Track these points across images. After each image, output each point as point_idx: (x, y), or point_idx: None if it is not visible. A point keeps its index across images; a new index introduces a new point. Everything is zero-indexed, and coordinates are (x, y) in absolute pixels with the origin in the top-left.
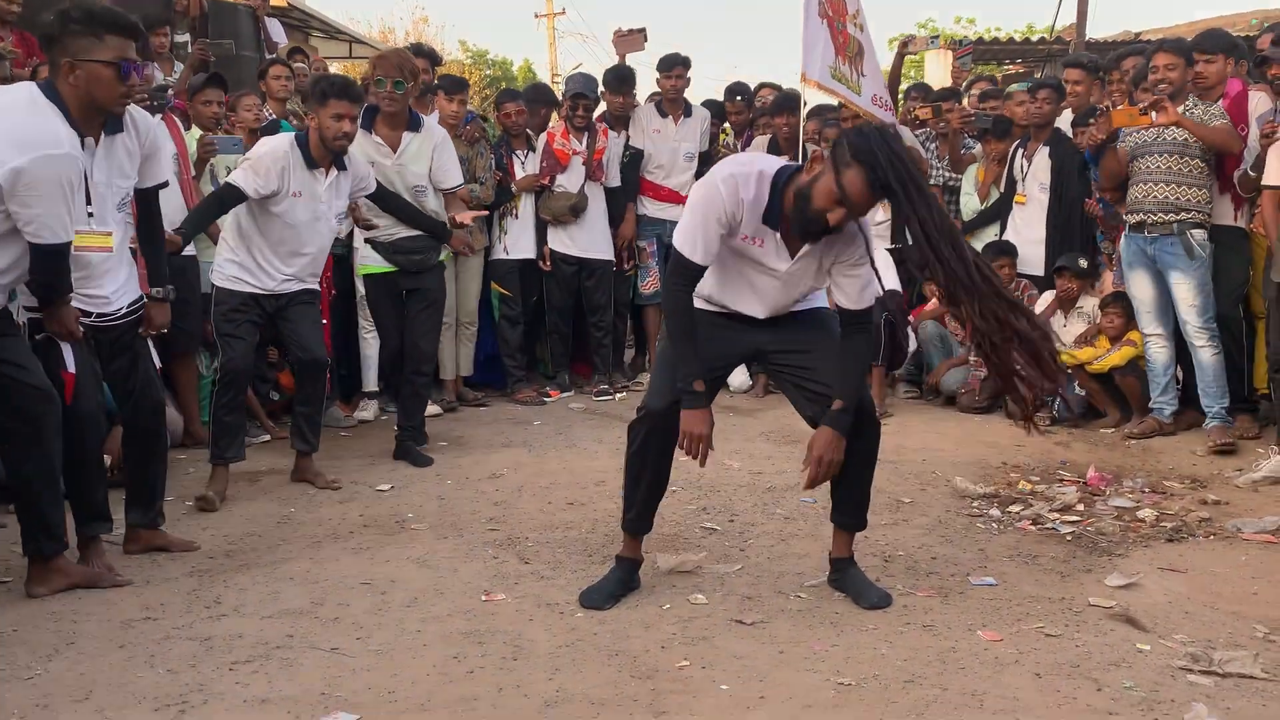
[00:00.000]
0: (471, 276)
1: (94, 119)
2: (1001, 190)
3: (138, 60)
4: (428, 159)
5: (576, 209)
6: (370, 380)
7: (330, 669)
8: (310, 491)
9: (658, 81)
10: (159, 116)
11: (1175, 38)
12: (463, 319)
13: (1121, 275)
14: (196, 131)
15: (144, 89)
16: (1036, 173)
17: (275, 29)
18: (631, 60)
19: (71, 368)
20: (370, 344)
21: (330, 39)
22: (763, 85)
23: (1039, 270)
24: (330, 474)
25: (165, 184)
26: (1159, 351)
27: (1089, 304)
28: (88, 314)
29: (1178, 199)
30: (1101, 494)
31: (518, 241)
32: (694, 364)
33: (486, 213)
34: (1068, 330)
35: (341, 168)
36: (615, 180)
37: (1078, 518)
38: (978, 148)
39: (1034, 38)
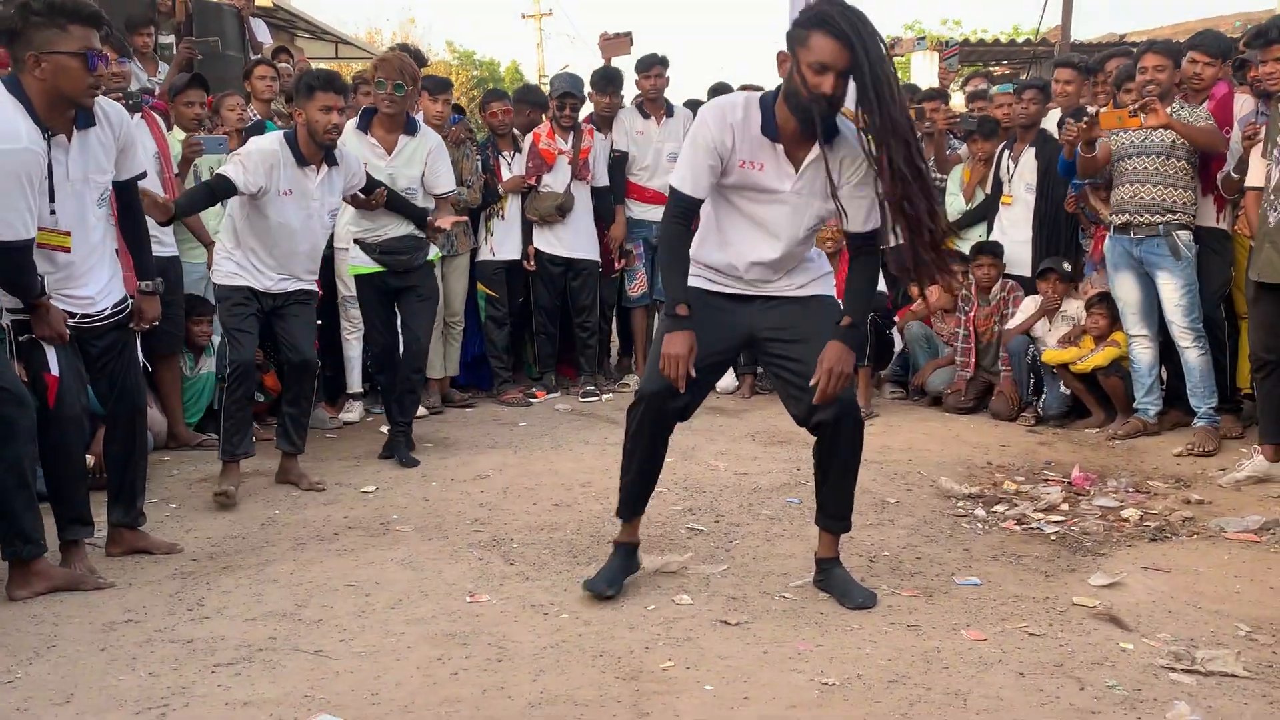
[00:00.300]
0: (458, 277)
1: (61, 112)
2: (987, 191)
3: (102, 50)
4: (421, 163)
5: (563, 208)
6: (355, 382)
7: (314, 671)
8: (295, 493)
9: (637, 82)
10: (138, 115)
11: (1164, 39)
12: (449, 320)
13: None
14: (178, 132)
15: (119, 85)
16: (1023, 173)
17: (260, 29)
18: (616, 63)
19: (55, 370)
20: (354, 345)
21: (316, 39)
22: (745, 86)
23: (1026, 271)
24: (315, 475)
25: (143, 175)
26: (1144, 352)
27: (1073, 306)
28: (71, 315)
29: (1164, 200)
30: (1086, 494)
31: (504, 242)
32: (681, 291)
33: (465, 219)
34: (1052, 333)
35: (333, 163)
36: (602, 180)
37: (1062, 517)
38: (963, 148)
39: (1020, 39)
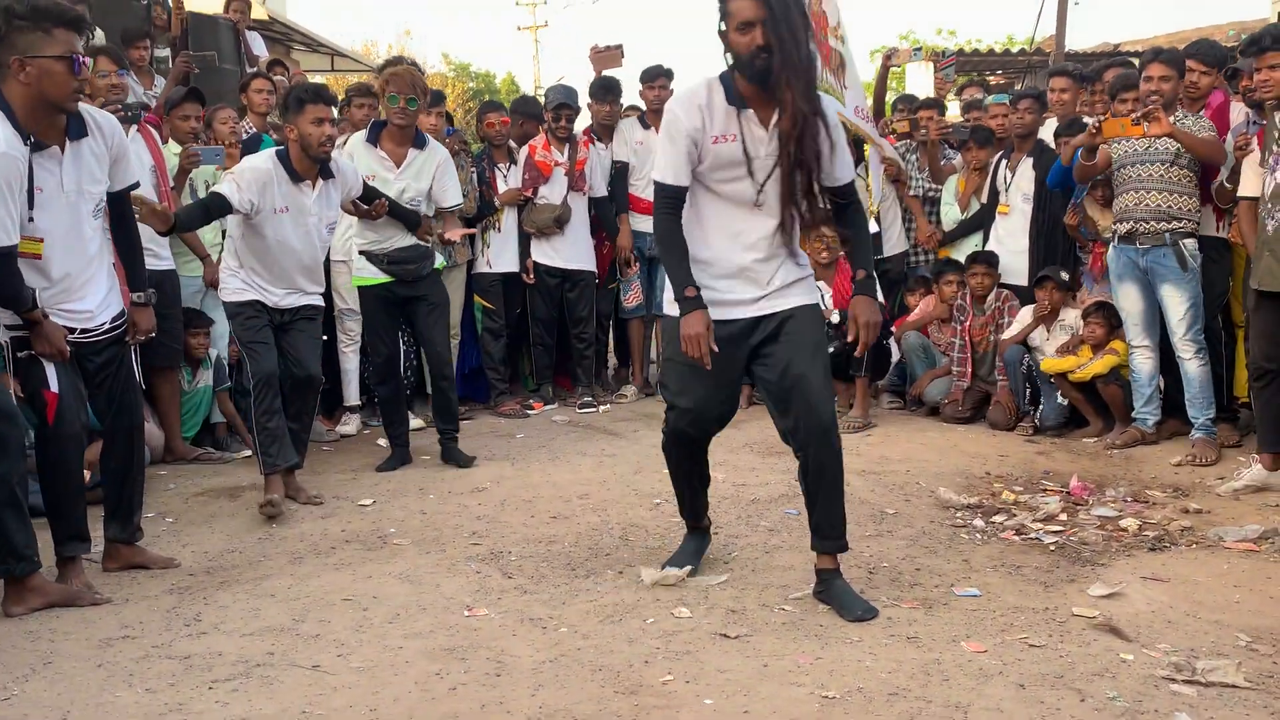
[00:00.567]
0: (454, 290)
1: (44, 118)
2: (983, 200)
3: (84, 54)
4: (429, 177)
5: (561, 220)
6: (352, 395)
7: (311, 687)
8: (292, 507)
9: (641, 93)
10: (134, 128)
11: (1169, 48)
12: None
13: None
14: (174, 146)
15: (117, 97)
16: (1020, 183)
17: (256, 42)
18: (617, 74)
19: (54, 387)
20: (350, 358)
21: (312, 52)
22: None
23: (1022, 280)
24: (312, 489)
25: (136, 184)
26: (1144, 362)
27: (1070, 315)
28: (70, 330)
29: (1169, 207)
30: (1084, 503)
31: (500, 254)
32: (686, 276)
33: (475, 230)
34: (1050, 342)
35: (329, 176)
36: (599, 191)
37: (1061, 527)
38: (958, 158)
39: (1014, 49)
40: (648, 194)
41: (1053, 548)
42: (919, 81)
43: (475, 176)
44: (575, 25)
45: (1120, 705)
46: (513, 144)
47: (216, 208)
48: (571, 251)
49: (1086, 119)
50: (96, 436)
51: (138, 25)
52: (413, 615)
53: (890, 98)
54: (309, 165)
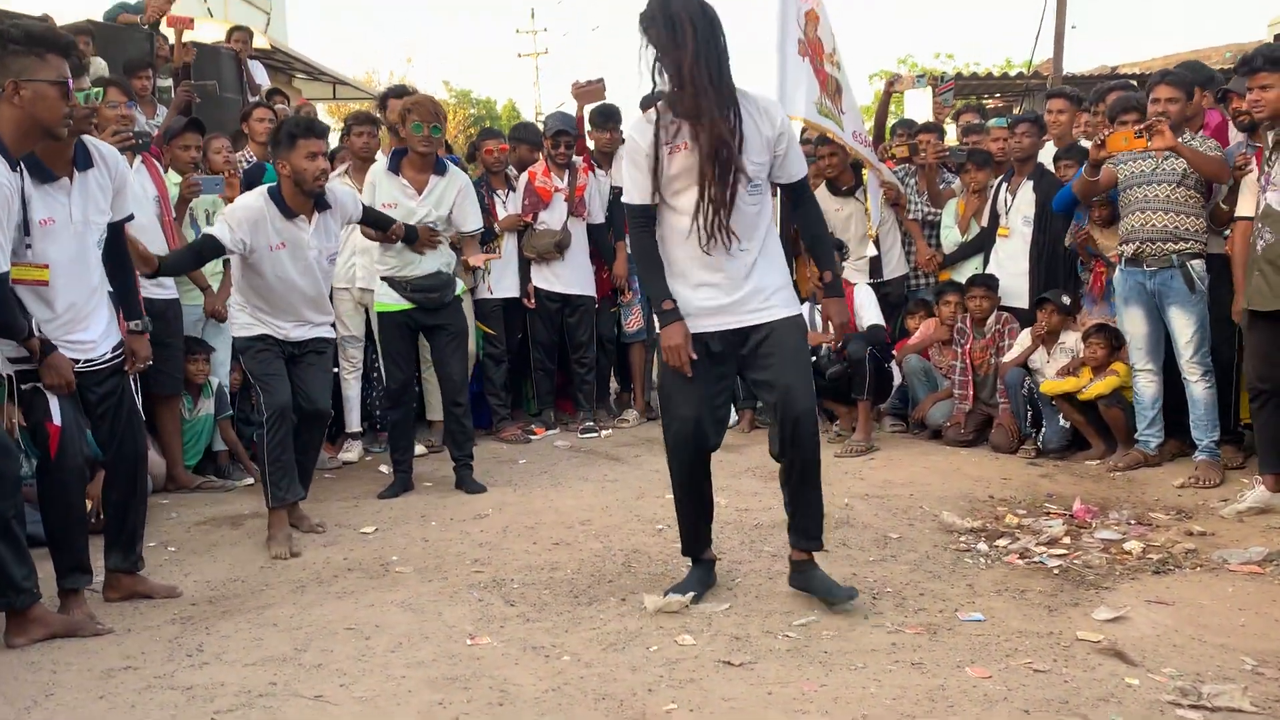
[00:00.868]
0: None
1: (33, 144)
2: (983, 224)
3: (72, 79)
4: (450, 203)
5: (561, 245)
6: (353, 421)
7: (314, 717)
8: (295, 535)
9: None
10: (138, 159)
11: (1177, 69)
12: None
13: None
14: (174, 176)
15: (125, 128)
16: (1020, 206)
17: (258, 71)
18: (615, 100)
19: (57, 420)
20: (352, 385)
21: (314, 80)
22: None
23: (1023, 303)
24: (314, 517)
25: (131, 217)
26: (1148, 386)
27: (1071, 338)
28: (75, 361)
29: (1176, 228)
30: (1088, 526)
31: (501, 280)
32: (662, 290)
33: (499, 255)
34: (1051, 364)
35: (324, 208)
36: (597, 217)
37: (1064, 551)
38: (957, 182)
39: (1012, 72)
40: None
41: (1056, 571)
42: (918, 106)
43: None
44: (575, 52)
45: None
46: (511, 170)
47: (209, 250)
48: (571, 276)
49: (1084, 142)
50: (98, 468)
51: (141, 54)
52: (415, 644)
53: (891, 122)
54: (303, 200)
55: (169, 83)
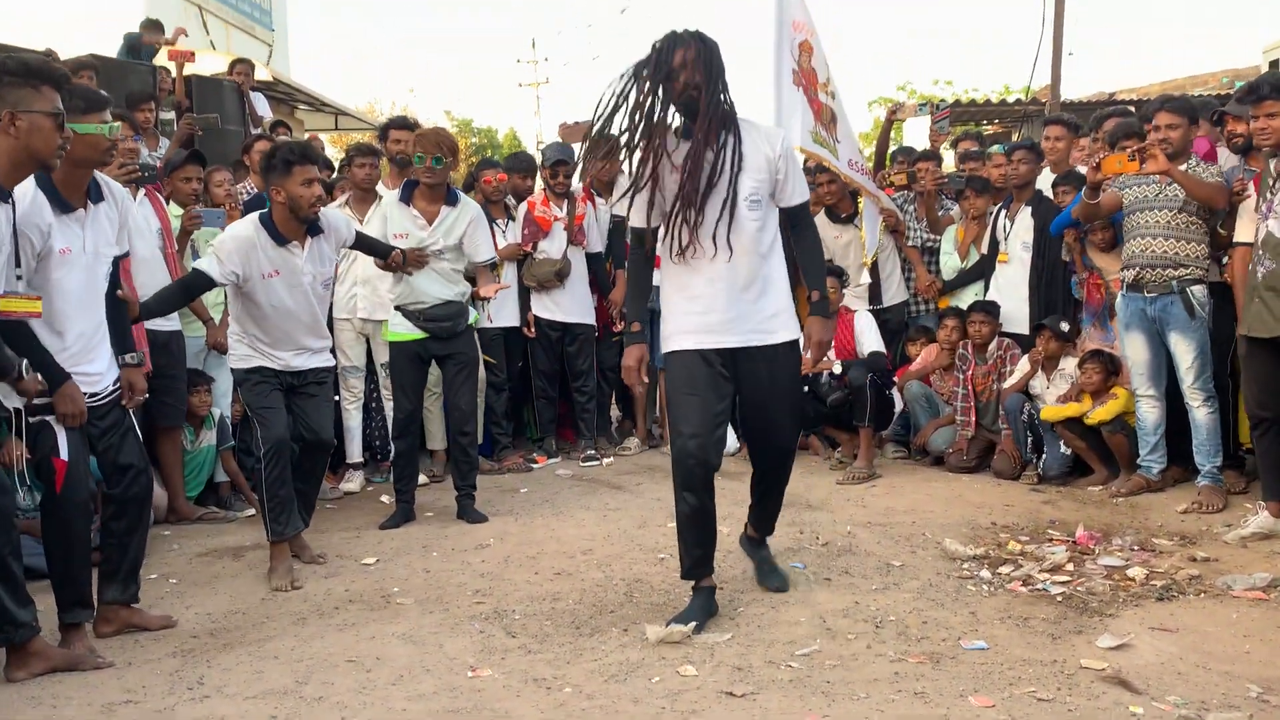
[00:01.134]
0: None
1: (26, 174)
2: (983, 250)
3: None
4: (460, 233)
5: (561, 273)
6: (354, 451)
7: None
8: (295, 566)
9: None
10: (141, 191)
11: (1179, 95)
12: None
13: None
14: (175, 208)
15: (131, 161)
16: (1019, 232)
17: (260, 103)
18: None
19: (65, 455)
20: (353, 415)
21: (316, 111)
22: None
23: (1024, 328)
24: (315, 548)
25: (127, 253)
26: (1150, 411)
27: (1070, 364)
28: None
29: (1176, 254)
30: (1091, 553)
31: (501, 309)
32: (636, 312)
33: (508, 285)
34: (1051, 390)
35: (317, 233)
36: (596, 246)
37: (1068, 577)
38: (956, 209)
39: (1010, 99)
40: None
41: (1060, 598)
42: (915, 131)
43: None
44: (576, 82)
45: None
46: (510, 200)
47: (197, 285)
48: (571, 305)
49: (1081, 168)
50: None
51: (143, 87)
52: (416, 676)
53: (892, 148)
54: (295, 226)
55: (171, 115)
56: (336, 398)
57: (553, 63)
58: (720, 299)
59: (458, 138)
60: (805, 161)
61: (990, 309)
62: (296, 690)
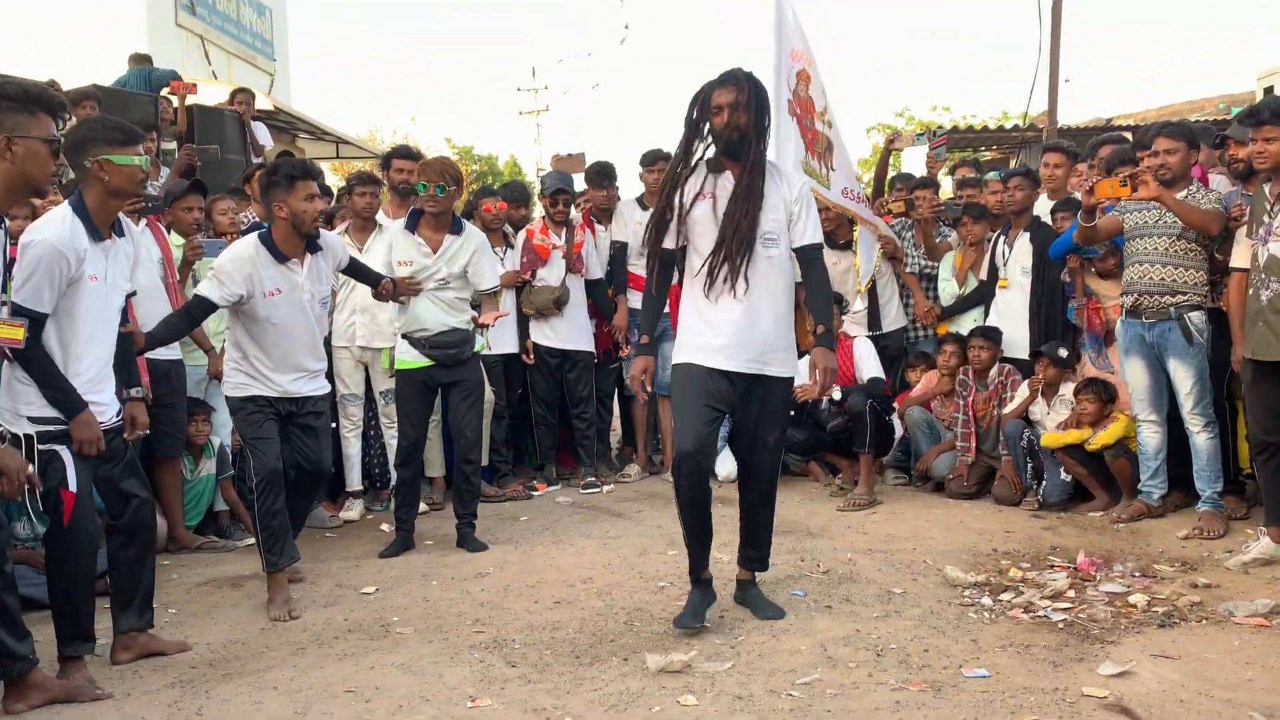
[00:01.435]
0: None
1: (18, 200)
2: (980, 276)
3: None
4: (464, 262)
5: (559, 301)
6: (354, 479)
7: None
8: (295, 596)
9: (641, 176)
10: (143, 220)
11: (1178, 120)
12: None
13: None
14: (176, 238)
15: (143, 194)
16: (1019, 257)
17: (261, 132)
18: (615, 157)
19: (73, 486)
20: (352, 443)
21: (317, 140)
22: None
23: (1024, 353)
24: (313, 575)
25: (134, 293)
26: (1151, 437)
27: (1070, 390)
28: None
29: (1173, 281)
30: (1092, 579)
31: (500, 337)
32: (647, 326)
33: (507, 313)
34: (1051, 416)
35: (316, 250)
36: (596, 273)
37: (1069, 604)
38: (953, 235)
39: (1008, 124)
40: None
41: (1061, 625)
42: (913, 159)
43: None
44: (576, 110)
45: None
46: (508, 228)
47: (199, 310)
48: (570, 332)
49: (1077, 194)
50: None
51: (145, 117)
52: (415, 707)
53: (890, 174)
54: (296, 243)
55: (173, 145)
56: (334, 425)
57: (553, 91)
58: (730, 327)
59: (459, 165)
60: None
61: (990, 334)
62: None
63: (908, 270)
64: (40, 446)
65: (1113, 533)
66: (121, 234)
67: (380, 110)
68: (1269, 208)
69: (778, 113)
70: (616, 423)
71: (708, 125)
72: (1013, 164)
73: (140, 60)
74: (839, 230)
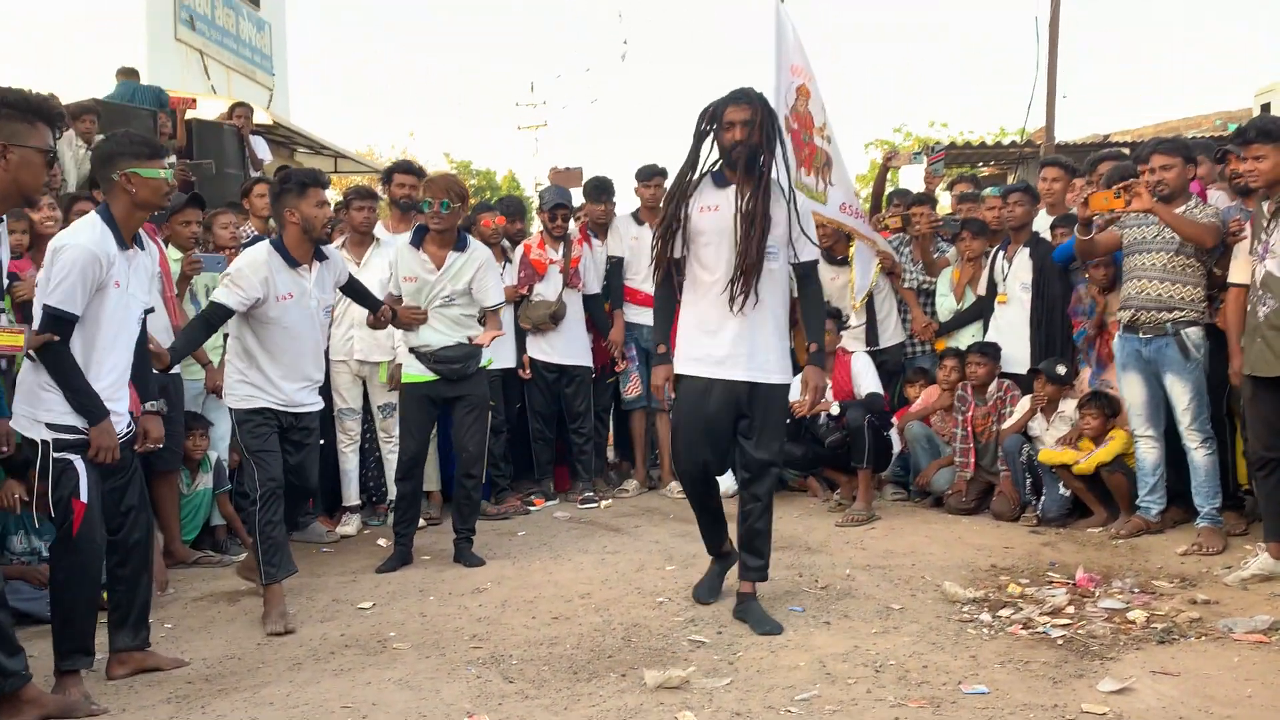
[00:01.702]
0: None
1: (9, 208)
2: (979, 291)
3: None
4: (468, 278)
5: (556, 316)
6: (351, 495)
7: None
8: (291, 611)
9: (636, 190)
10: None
11: (1174, 137)
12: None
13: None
14: (174, 252)
15: (167, 206)
16: (1018, 273)
17: (260, 146)
18: (611, 172)
19: (84, 497)
20: (350, 458)
21: (315, 154)
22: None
23: (1023, 369)
24: (310, 591)
25: (152, 309)
26: (1149, 452)
27: (1069, 407)
28: None
29: (1171, 296)
30: (1091, 595)
31: (498, 352)
32: (661, 335)
33: (503, 333)
34: (1050, 432)
35: (323, 258)
36: (593, 288)
37: (1068, 620)
38: (951, 250)
39: (1005, 140)
40: (644, 287)
41: (1060, 642)
42: (911, 174)
43: None
44: (574, 125)
45: None
46: (506, 243)
47: (217, 317)
48: (567, 347)
49: (1074, 209)
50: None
51: (143, 133)
52: None
53: (888, 190)
54: (306, 249)
55: (172, 159)
56: (323, 440)
57: (551, 106)
58: (732, 336)
59: (463, 181)
60: None
61: (988, 350)
62: None
63: (905, 286)
64: (55, 455)
65: (1112, 548)
66: (143, 246)
67: (379, 125)
68: (1265, 225)
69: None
70: (610, 436)
71: (714, 139)
72: (1010, 180)
73: (128, 74)
74: (836, 246)
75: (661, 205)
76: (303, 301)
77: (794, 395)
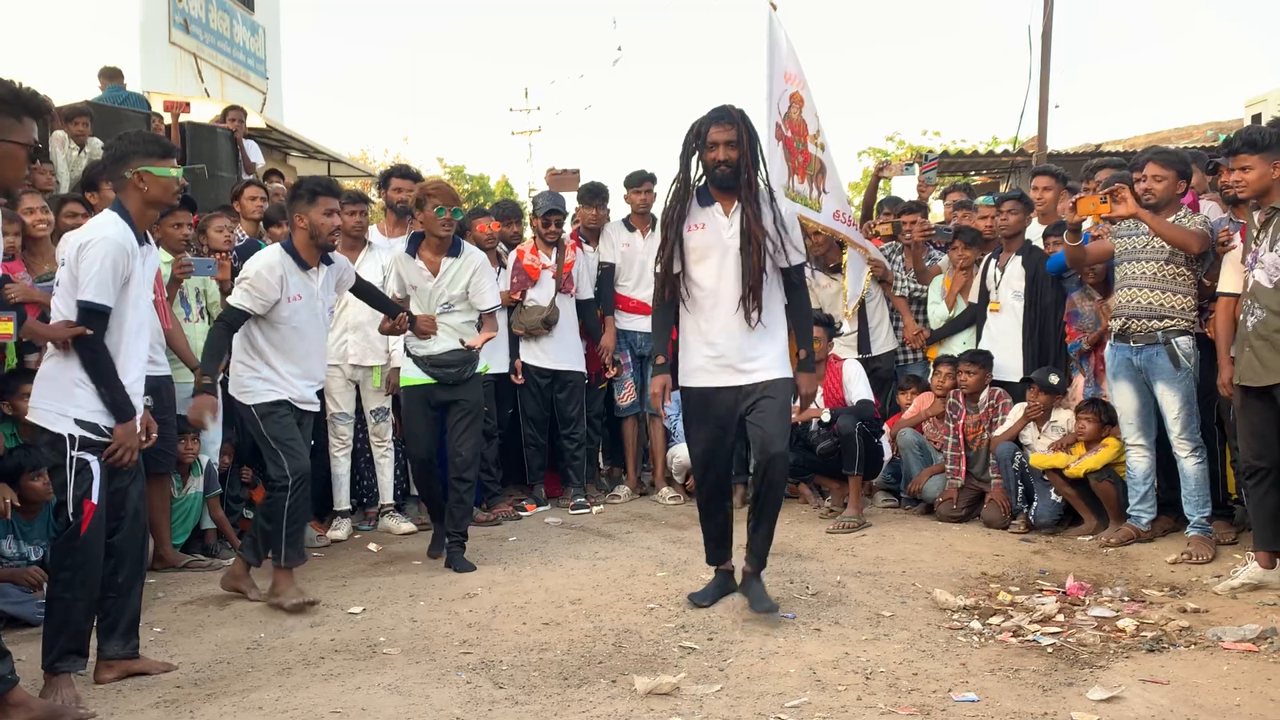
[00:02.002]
0: None
1: None
2: (970, 300)
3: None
4: (464, 282)
5: (549, 321)
6: (342, 499)
7: None
8: (281, 615)
9: (626, 197)
10: None
11: (1169, 147)
12: None
13: (1091, 381)
14: (164, 254)
15: (177, 204)
16: (1010, 281)
17: (253, 150)
18: (605, 178)
19: (95, 499)
20: (341, 462)
21: (309, 158)
22: None
23: (1015, 377)
24: (301, 595)
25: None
26: (1140, 461)
27: (1062, 416)
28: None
29: (1162, 305)
30: (1081, 603)
31: (490, 357)
32: (660, 346)
33: (494, 335)
34: (1042, 441)
35: (329, 262)
36: (585, 293)
37: (1058, 628)
38: (943, 259)
39: (998, 149)
40: (635, 294)
41: (1050, 650)
42: (904, 183)
43: None
44: (568, 131)
45: None
46: (502, 248)
47: (237, 320)
48: (559, 352)
49: (1065, 217)
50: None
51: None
52: None
53: (880, 197)
54: (314, 253)
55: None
56: (314, 442)
57: (545, 112)
58: (730, 344)
59: (451, 185)
60: None
61: (979, 358)
62: None
63: (897, 294)
64: (74, 453)
65: (1102, 557)
66: (147, 244)
67: (372, 129)
68: (1255, 235)
69: (765, 140)
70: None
71: (698, 158)
72: (1002, 189)
73: (112, 75)
74: (830, 254)
75: (659, 228)
76: (311, 303)
77: None
